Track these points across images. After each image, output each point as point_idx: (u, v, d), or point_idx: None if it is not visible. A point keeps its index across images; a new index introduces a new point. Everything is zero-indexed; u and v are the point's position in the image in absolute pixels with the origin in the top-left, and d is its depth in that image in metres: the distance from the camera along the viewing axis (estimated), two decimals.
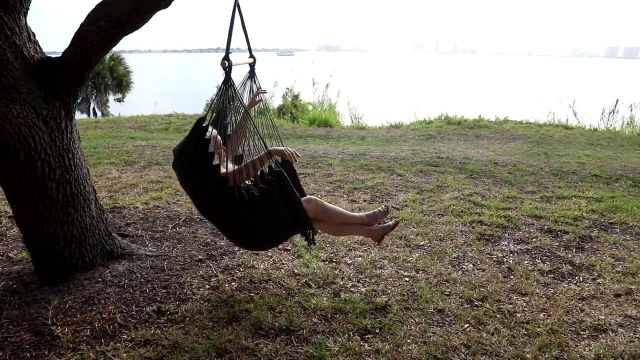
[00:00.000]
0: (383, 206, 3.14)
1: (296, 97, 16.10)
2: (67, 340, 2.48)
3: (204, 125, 2.62)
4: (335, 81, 15.40)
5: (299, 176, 3.31)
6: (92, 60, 2.66)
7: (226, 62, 2.53)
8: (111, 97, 22.10)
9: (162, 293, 2.98)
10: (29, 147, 2.62)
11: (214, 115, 2.72)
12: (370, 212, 3.10)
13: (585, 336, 2.61)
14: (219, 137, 2.85)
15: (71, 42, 2.64)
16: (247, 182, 2.83)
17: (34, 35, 2.72)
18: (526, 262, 3.56)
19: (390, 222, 3.13)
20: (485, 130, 10.07)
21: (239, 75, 3.06)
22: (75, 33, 2.63)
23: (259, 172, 2.83)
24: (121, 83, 21.78)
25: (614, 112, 11.44)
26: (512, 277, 3.30)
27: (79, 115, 19.37)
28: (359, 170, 6.36)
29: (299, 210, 2.79)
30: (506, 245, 3.85)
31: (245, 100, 3.05)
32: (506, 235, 4.08)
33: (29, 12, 2.71)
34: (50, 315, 2.71)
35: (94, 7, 2.58)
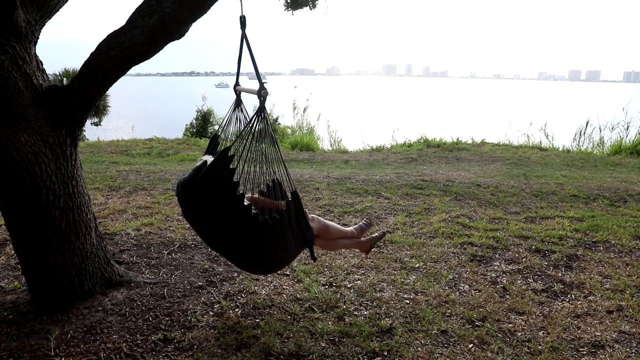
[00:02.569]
0: (366, 219, 3.45)
1: (275, 120, 16.24)
2: None
3: (229, 155, 2.57)
4: (312, 105, 15.63)
5: None
6: (100, 88, 2.69)
7: (266, 92, 2.56)
8: (88, 121, 21.78)
9: (166, 321, 2.96)
10: (34, 175, 2.60)
11: (242, 144, 2.64)
12: (357, 225, 3.41)
13: (584, 352, 2.71)
14: None
15: (80, 71, 2.66)
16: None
17: (42, 64, 2.74)
18: (519, 281, 3.67)
19: (376, 233, 3.45)
20: (464, 152, 10.34)
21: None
22: (85, 62, 2.66)
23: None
24: (98, 107, 21.45)
25: (584, 134, 11.93)
26: (507, 296, 3.40)
27: None
28: (346, 194, 6.44)
29: (308, 229, 2.89)
30: (498, 266, 3.96)
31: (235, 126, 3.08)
32: (497, 255, 4.19)
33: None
34: (53, 346, 2.65)
35: (105, 36, 2.62)
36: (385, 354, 2.65)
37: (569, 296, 3.44)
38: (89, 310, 3.05)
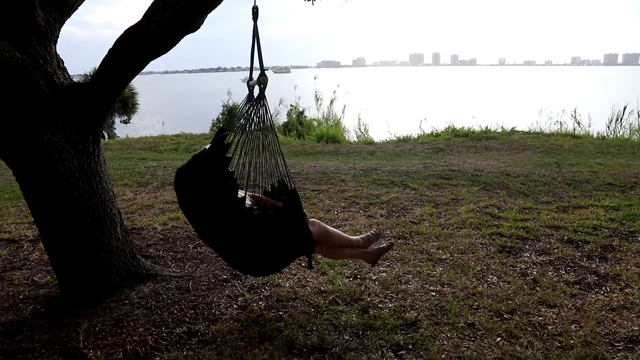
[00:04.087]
0: (374, 229, 3.23)
1: (301, 113, 16.23)
2: None
3: (226, 143, 2.58)
4: (338, 96, 15.55)
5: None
6: (120, 84, 2.71)
7: (264, 79, 2.54)
8: (117, 119, 22.28)
9: (191, 314, 2.98)
10: (58, 171, 2.65)
11: (237, 134, 2.65)
12: (364, 234, 3.18)
13: (620, 348, 2.59)
14: None
15: (99, 68, 2.69)
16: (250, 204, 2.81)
17: (63, 62, 2.78)
18: (550, 273, 3.55)
19: (384, 244, 3.19)
20: (493, 141, 10.09)
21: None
22: (104, 59, 2.69)
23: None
24: (127, 105, 21.97)
25: (621, 120, 11.46)
26: (538, 288, 3.29)
27: None
28: (372, 185, 6.37)
29: (306, 233, 2.80)
30: (528, 257, 3.84)
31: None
32: (527, 246, 4.06)
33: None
34: (82, 338, 2.71)
35: (122, 32, 2.63)
36: (410, 347, 2.60)
37: (603, 288, 3.30)
38: (116, 304, 3.10)
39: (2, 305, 3.22)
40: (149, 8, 2.59)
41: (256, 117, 2.62)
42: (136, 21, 2.64)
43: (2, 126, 2.42)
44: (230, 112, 17.17)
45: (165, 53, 2.66)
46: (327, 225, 3.02)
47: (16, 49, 2.41)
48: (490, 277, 3.49)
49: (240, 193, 2.68)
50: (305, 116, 16.13)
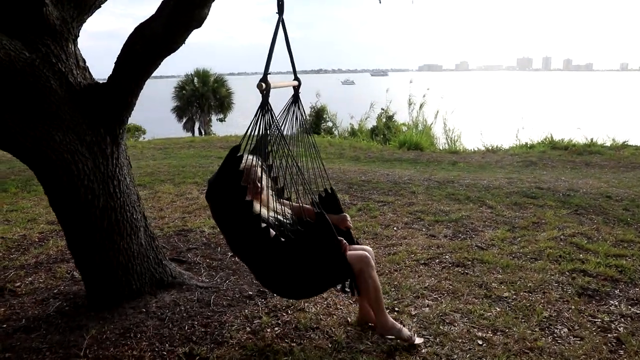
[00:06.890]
0: (420, 340, 2.66)
1: (390, 118, 15.68)
2: None
3: (237, 155, 2.35)
4: (433, 101, 14.77)
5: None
6: (132, 85, 2.56)
7: (263, 85, 2.25)
8: (214, 117, 23.48)
9: (200, 332, 2.76)
10: (71, 173, 2.56)
11: (249, 143, 2.40)
12: (406, 329, 2.68)
13: None
14: (256, 168, 2.58)
15: (113, 68, 2.58)
16: (283, 219, 2.57)
17: (84, 62, 2.69)
18: None
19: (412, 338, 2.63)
20: (597, 157, 8.85)
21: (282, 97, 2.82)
22: (117, 58, 2.56)
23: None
24: (223, 104, 23.09)
25: None
26: (621, 352, 2.60)
27: (182, 134, 20.76)
28: (445, 199, 5.79)
29: (342, 261, 2.43)
30: (616, 306, 3.11)
31: (287, 126, 2.75)
32: (617, 292, 3.31)
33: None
34: (85, 345, 2.61)
35: (132, 30, 2.48)
36: None
37: None
38: (133, 311, 2.99)
39: (37, 297, 3.27)
40: (160, 4, 2.41)
41: (263, 126, 2.34)
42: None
43: (10, 125, 2.36)
44: (317, 114, 17.14)
45: (174, 51, 2.46)
46: (372, 269, 2.58)
47: (26, 47, 2.33)
48: (559, 327, 2.85)
49: (256, 207, 2.43)
50: (395, 121, 15.58)
